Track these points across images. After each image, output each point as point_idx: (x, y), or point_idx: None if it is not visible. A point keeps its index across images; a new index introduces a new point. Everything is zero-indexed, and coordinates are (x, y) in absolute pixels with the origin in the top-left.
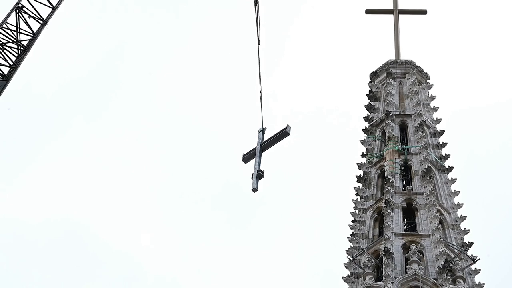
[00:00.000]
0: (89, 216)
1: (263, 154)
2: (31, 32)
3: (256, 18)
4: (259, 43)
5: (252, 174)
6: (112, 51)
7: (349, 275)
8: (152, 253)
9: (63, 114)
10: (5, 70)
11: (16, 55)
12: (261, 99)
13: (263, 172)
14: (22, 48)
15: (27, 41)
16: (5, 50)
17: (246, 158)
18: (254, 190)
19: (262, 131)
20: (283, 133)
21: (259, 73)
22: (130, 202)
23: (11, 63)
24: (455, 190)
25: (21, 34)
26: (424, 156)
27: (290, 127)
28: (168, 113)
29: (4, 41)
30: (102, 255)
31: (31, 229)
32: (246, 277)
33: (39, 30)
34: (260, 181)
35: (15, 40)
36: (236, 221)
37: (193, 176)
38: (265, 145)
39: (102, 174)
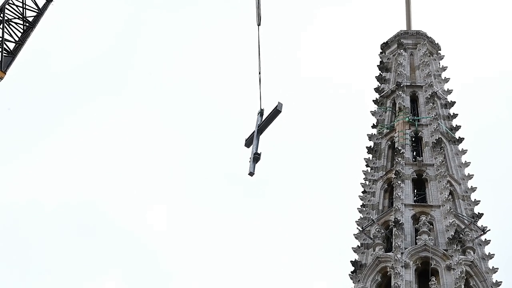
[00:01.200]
0: (104, 195)
1: (265, 133)
2: (37, 8)
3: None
4: (259, 24)
5: (250, 158)
6: (125, 29)
7: (359, 245)
8: (167, 230)
9: (77, 92)
10: (11, 46)
11: (22, 31)
12: (260, 80)
13: (259, 154)
14: (27, 24)
15: (33, 17)
16: (10, 26)
17: (248, 142)
18: (251, 174)
19: (261, 112)
20: (275, 112)
21: (259, 54)
22: (143, 178)
23: (17, 39)
24: (465, 161)
25: (27, 10)
26: (435, 127)
27: (281, 104)
28: (181, 92)
29: (10, 17)
30: (116, 233)
31: (47, 211)
32: (259, 248)
33: (45, 6)
34: (264, 161)
35: (21, 16)
36: (251, 192)
37: (206, 154)
38: (261, 127)
39: (117, 153)
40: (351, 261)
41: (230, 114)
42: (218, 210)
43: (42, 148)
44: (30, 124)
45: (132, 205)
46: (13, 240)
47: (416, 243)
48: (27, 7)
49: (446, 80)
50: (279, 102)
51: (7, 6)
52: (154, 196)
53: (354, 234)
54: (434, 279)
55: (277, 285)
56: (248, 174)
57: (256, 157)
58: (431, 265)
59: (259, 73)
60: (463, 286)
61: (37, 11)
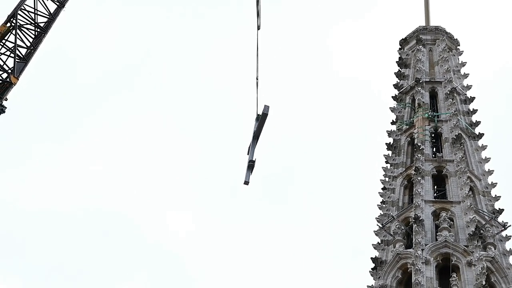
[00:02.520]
0: (128, 202)
1: (285, 133)
2: (48, 13)
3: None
4: (258, 28)
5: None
6: (132, 32)
7: (379, 242)
8: (191, 235)
9: (92, 97)
10: (23, 51)
11: (34, 36)
12: (257, 85)
13: (253, 162)
14: (38, 30)
15: (45, 23)
16: (23, 32)
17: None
18: (246, 183)
19: (257, 117)
20: (263, 116)
21: (257, 59)
22: (166, 184)
23: (29, 45)
24: (485, 156)
25: (38, 16)
26: (455, 123)
27: (267, 107)
28: (193, 95)
29: (22, 23)
30: (141, 239)
31: (76, 218)
32: (280, 248)
33: (57, 12)
34: (284, 160)
35: (32, 22)
36: (272, 195)
37: (222, 159)
38: (256, 133)
39: (138, 158)
40: (371, 258)
41: (243, 117)
42: (238, 214)
43: (64, 154)
44: (51, 128)
45: (156, 211)
46: (44, 246)
47: (436, 240)
48: (38, 13)
49: (466, 75)
50: (265, 105)
51: (19, 12)
52: (178, 201)
53: (374, 231)
54: (455, 275)
55: (299, 283)
56: (244, 183)
57: (250, 165)
58: (452, 261)
59: (257, 78)
60: (484, 282)
61: (48, 17)
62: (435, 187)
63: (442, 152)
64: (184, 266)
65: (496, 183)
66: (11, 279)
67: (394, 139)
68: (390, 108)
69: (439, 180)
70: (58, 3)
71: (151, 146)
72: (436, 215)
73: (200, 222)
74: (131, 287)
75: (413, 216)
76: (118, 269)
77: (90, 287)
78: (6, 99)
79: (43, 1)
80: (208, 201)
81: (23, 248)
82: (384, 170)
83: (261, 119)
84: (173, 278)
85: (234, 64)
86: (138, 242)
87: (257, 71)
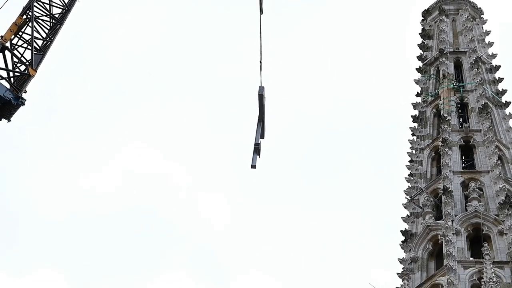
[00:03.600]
0: (160, 200)
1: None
2: (63, 4)
3: None
4: (261, 13)
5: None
6: (143, 22)
7: (408, 215)
8: (227, 230)
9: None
10: (40, 43)
11: (49, 27)
12: (260, 67)
13: (258, 145)
14: (53, 21)
15: (59, 14)
16: (39, 23)
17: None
18: (253, 166)
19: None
20: (260, 97)
21: (260, 42)
22: (197, 178)
23: (45, 36)
24: None
25: (53, 8)
26: (480, 92)
27: (262, 88)
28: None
29: (37, 14)
30: (176, 235)
31: (114, 218)
32: (315, 232)
33: (72, 3)
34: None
35: (48, 13)
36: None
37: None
38: (259, 116)
39: (166, 156)
40: (401, 231)
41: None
42: (270, 196)
43: (91, 149)
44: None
45: (190, 205)
46: (89, 246)
47: (466, 210)
48: (53, 4)
49: (490, 44)
50: (259, 87)
51: (35, 4)
52: (212, 195)
53: (402, 204)
54: (486, 244)
55: (331, 262)
56: (251, 167)
57: (256, 148)
58: (482, 231)
59: (260, 61)
60: None
61: (63, 7)
62: (463, 157)
63: (468, 122)
64: (220, 261)
65: None
66: (57, 273)
67: (419, 111)
68: (414, 80)
69: (467, 150)
70: None
71: (174, 135)
72: (465, 185)
73: (236, 217)
74: (170, 282)
75: (442, 188)
76: (156, 265)
77: (130, 282)
78: (25, 91)
79: None
80: (245, 193)
81: (66, 245)
82: (411, 143)
83: (258, 101)
84: (209, 273)
85: (239, 49)
86: (174, 239)
87: (261, 54)
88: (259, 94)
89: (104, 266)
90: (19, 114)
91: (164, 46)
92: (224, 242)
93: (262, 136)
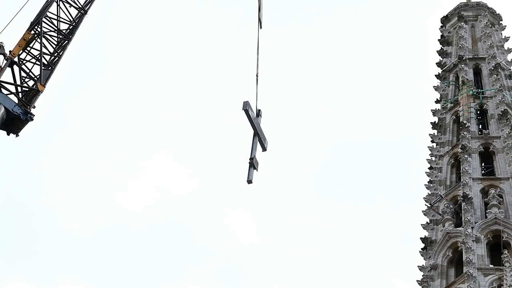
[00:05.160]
0: (186, 211)
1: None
2: (71, 20)
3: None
4: (260, 27)
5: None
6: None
7: (428, 222)
8: (254, 244)
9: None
10: (48, 58)
11: (56, 43)
12: (257, 81)
13: (253, 159)
14: (61, 36)
15: (67, 30)
16: (47, 39)
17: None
18: (249, 181)
19: (257, 114)
20: (245, 112)
21: (257, 56)
22: (222, 190)
23: (52, 51)
24: None
25: (61, 23)
26: (500, 98)
27: (246, 103)
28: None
29: (45, 30)
30: (202, 249)
31: (139, 230)
32: (328, 233)
33: (80, 18)
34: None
35: (56, 29)
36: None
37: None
38: (254, 131)
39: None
40: (421, 238)
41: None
42: (294, 210)
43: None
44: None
45: (216, 218)
46: (115, 260)
47: (486, 217)
48: (61, 19)
49: (509, 50)
50: (243, 102)
51: (43, 19)
52: (238, 208)
53: (422, 211)
54: (506, 251)
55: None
56: (247, 182)
57: (250, 163)
58: (502, 238)
59: (257, 75)
60: None
61: (70, 23)
62: (483, 164)
63: (488, 129)
64: (246, 274)
65: None
66: (82, 286)
67: (439, 118)
68: (433, 86)
69: (487, 157)
70: (80, 10)
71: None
72: (484, 192)
73: (262, 230)
74: None
75: (462, 194)
76: (183, 279)
77: None
78: (34, 107)
79: (66, 8)
80: (269, 207)
81: (92, 258)
82: (430, 150)
83: (248, 117)
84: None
85: (235, 61)
86: (198, 252)
87: (257, 67)
88: (243, 109)
89: (130, 280)
90: (30, 129)
91: (167, 64)
92: (250, 257)
93: (264, 149)
